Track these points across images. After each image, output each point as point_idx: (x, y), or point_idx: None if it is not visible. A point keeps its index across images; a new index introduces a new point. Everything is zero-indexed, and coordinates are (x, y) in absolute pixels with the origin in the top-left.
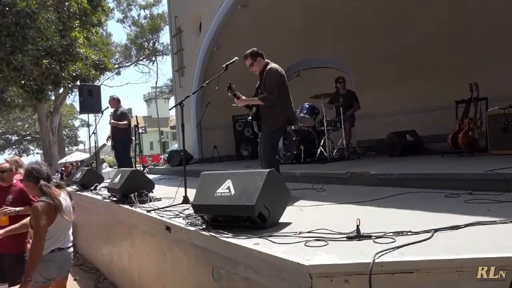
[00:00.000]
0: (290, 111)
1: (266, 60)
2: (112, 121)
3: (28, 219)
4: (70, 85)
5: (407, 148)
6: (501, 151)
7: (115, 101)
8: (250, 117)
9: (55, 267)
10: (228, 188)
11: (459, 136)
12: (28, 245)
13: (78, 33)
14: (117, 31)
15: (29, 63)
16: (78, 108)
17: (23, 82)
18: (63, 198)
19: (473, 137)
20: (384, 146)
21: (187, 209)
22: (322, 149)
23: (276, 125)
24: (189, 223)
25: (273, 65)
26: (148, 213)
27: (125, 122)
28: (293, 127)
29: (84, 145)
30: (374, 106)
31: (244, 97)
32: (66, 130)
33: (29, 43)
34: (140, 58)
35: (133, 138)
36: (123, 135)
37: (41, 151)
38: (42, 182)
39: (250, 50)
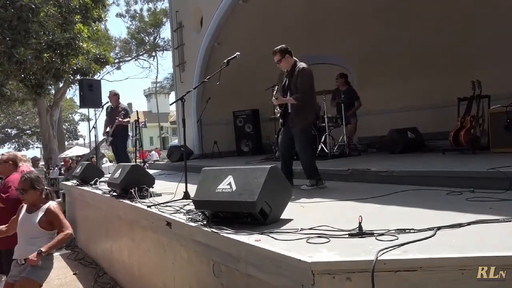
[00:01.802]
0: (317, 107)
1: (294, 58)
2: (120, 119)
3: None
4: (71, 79)
5: (408, 145)
6: (503, 149)
7: (116, 97)
8: (278, 114)
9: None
10: (230, 184)
11: (461, 133)
12: None
13: (82, 25)
14: (118, 26)
15: (31, 56)
16: (78, 103)
17: (23, 76)
18: None
19: (475, 134)
20: (385, 143)
21: (188, 204)
22: (323, 146)
23: (308, 121)
24: (189, 219)
25: (304, 64)
26: (149, 209)
27: (128, 119)
28: None
29: (84, 140)
30: (375, 103)
31: (282, 97)
32: (66, 124)
33: (33, 37)
34: (141, 53)
35: (130, 134)
36: (123, 131)
37: (41, 145)
38: (48, 189)
39: (279, 47)
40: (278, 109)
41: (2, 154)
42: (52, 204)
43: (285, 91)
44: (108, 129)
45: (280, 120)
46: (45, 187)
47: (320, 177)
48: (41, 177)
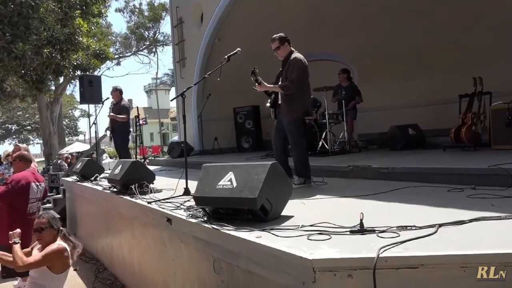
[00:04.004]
0: (309, 102)
1: (291, 48)
2: (112, 114)
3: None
4: (71, 74)
5: (409, 142)
6: (504, 146)
7: (117, 93)
8: (268, 104)
9: None
10: (230, 180)
11: (462, 130)
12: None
13: (81, 20)
14: (117, 21)
15: (30, 52)
16: (78, 98)
17: (23, 71)
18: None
19: (476, 131)
20: (386, 139)
21: (188, 201)
22: (324, 142)
23: (296, 115)
24: (190, 215)
25: (298, 54)
26: (149, 205)
27: (124, 116)
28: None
29: (84, 136)
30: (376, 99)
31: (265, 83)
32: (66, 120)
33: (33, 33)
34: (141, 49)
35: (131, 130)
36: (122, 127)
37: (41, 141)
38: (64, 229)
39: (279, 34)
40: (269, 102)
41: (16, 146)
42: (58, 243)
43: (278, 79)
44: (108, 125)
45: (271, 111)
46: (61, 227)
47: (310, 176)
48: (57, 218)
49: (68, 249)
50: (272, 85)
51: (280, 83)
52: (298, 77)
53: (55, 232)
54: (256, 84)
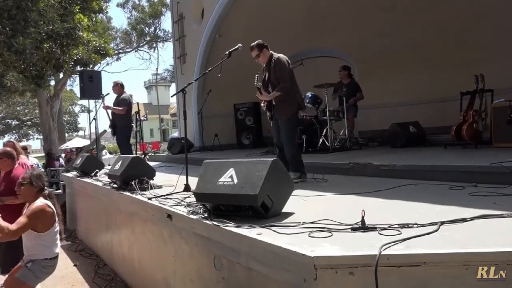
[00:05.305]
0: (300, 97)
1: (270, 51)
2: (106, 105)
3: None
4: (71, 69)
5: (409, 139)
6: (505, 143)
7: (118, 87)
8: (264, 107)
9: (52, 271)
10: (231, 177)
11: (463, 128)
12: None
13: (82, 15)
14: (117, 16)
15: (31, 46)
16: (78, 94)
17: (23, 66)
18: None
19: (477, 129)
20: (386, 137)
21: (189, 197)
22: (324, 139)
23: (291, 112)
24: (190, 212)
25: (279, 55)
26: (149, 201)
27: (121, 108)
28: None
29: (84, 131)
30: (377, 96)
31: (265, 93)
32: (66, 116)
33: (31, 26)
34: (141, 44)
35: (133, 125)
36: (123, 122)
37: (41, 137)
38: (48, 190)
39: (256, 42)
40: (263, 104)
41: (8, 142)
42: (39, 202)
43: (265, 85)
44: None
45: (268, 114)
46: (46, 188)
47: (304, 171)
48: (43, 177)
49: (51, 205)
50: (271, 95)
51: (270, 87)
52: (289, 75)
53: (35, 190)
54: (258, 92)
